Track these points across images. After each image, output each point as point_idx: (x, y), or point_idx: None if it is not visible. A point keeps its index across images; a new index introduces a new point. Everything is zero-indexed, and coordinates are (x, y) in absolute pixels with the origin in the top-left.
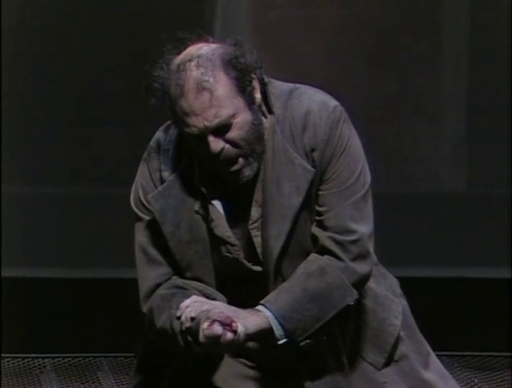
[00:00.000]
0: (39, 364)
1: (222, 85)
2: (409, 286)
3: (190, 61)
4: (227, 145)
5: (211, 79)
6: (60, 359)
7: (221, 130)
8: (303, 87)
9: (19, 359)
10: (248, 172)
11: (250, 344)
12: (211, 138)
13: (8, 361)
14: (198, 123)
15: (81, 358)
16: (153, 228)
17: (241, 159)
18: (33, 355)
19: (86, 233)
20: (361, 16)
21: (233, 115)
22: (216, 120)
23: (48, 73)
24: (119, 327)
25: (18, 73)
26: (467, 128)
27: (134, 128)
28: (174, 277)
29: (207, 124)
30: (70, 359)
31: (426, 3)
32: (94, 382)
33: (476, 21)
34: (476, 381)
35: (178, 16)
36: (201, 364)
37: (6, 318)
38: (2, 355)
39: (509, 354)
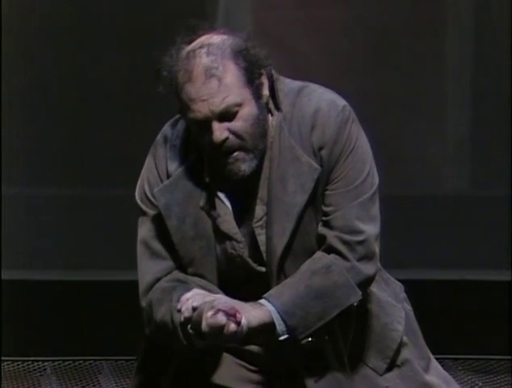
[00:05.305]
0: (40, 368)
1: (231, 74)
2: (410, 288)
3: (200, 48)
4: (231, 136)
5: (220, 67)
6: (60, 362)
7: (226, 117)
8: (312, 85)
9: (19, 362)
10: (244, 167)
11: (252, 347)
12: (215, 126)
13: (8, 364)
14: (203, 108)
15: (81, 361)
16: (157, 222)
17: (239, 152)
18: (33, 358)
19: (86, 235)
20: (363, 16)
21: (240, 104)
22: (223, 106)
23: (48, 73)
24: (120, 330)
25: (18, 73)
26: (469, 129)
27: (135, 129)
28: (175, 271)
29: (212, 108)
30: (71, 362)
31: (428, 3)
32: (94, 386)
33: (479, 21)
34: (480, 384)
35: (178, 17)
36: (202, 364)
37: (6, 320)
38: (2, 358)
39: None
